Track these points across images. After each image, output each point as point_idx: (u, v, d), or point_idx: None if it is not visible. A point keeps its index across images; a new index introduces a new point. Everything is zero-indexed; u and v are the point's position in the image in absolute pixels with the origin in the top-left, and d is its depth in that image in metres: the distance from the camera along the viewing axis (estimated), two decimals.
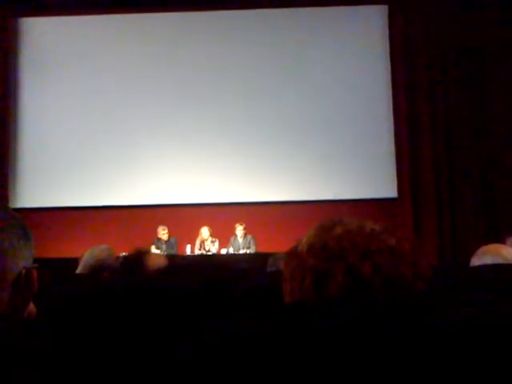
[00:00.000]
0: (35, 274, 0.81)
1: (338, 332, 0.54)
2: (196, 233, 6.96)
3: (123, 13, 7.77)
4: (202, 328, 0.62)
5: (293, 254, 0.77)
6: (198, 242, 6.93)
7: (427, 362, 0.52)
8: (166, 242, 6.99)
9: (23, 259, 0.79)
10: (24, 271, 0.79)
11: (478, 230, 7.03)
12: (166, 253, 6.57)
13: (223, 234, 7.00)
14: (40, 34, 7.86)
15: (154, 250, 6.62)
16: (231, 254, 6.73)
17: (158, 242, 6.97)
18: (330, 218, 0.78)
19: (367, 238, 0.73)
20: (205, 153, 7.54)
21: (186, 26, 7.78)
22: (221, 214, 7.35)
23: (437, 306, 0.58)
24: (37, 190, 7.61)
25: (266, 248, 6.49)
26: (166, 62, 7.74)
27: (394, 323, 0.55)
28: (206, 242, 6.90)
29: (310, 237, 0.76)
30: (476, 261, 1.86)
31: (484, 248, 1.91)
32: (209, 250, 6.86)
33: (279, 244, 5.23)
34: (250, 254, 6.69)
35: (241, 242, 6.90)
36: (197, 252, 6.87)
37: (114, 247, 2.57)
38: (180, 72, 7.72)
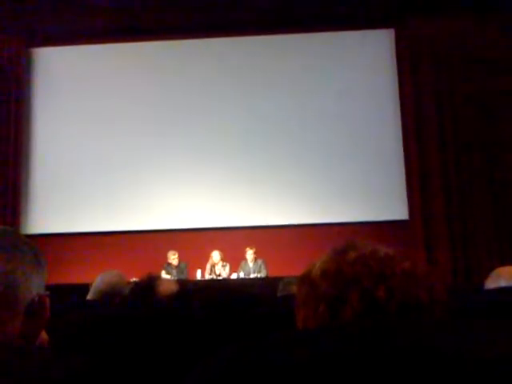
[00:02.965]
0: (48, 300, 0.81)
1: (355, 360, 0.53)
2: (206, 257, 6.94)
3: (134, 41, 7.91)
4: (212, 355, 0.61)
5: (306, 279, 0.76)
6: (208, 267, 6.90)
7: None
8: (176, 266, 6.96)
9: (36, 286, 0.79)
10: (37, 298, 0.78)
11: (492, 251, 6.94)
12: (176, 278, 6.55)
13: (234, 259, 6.97)
14: (52, 64, 8.03)
15: (164, 274, 6.60)
16: (242, 279, 6.68)
17: (168, 266, 6.95)
18: (342, 243, 0.77)
19: (381, 262, 0.72)
20: (215, 177, 7.57)
21: (194, 53, 7.89)
22: (231, 238, 7.33)
23: (452, 333, 0.57)
24: (48, 216, 7.66)
25: (276, 272, 6.45)
26: (177, 89, 7.84)
27: (410, 351, 0.54)
28: (216, 266, 6.86)
29: (323, 262, 0.75)
30: (491, 283, 1.83)
31: (498, 270, 1.88)
32: (219, 275, 6.82)
33: (290, 268, 5.20)
34: (260, 278, 6.64)
35: (251, 266, 6.86)
36: (207, 276, 6.83)
37: (125, 272, 2.56)
38: (190, 98, 7.81)
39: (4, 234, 0.80)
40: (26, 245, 0.81)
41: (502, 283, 1.78)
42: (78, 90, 7.89)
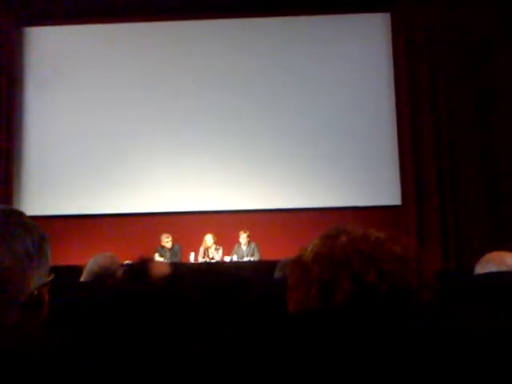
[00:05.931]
0: (46, 295, 0.77)
1: (345, 343, 0.54)
2: (199, 240, 6.96)
3: (128, 22, 7.82)
4: (212, 333, 0.62)
5: (298, 263, 0.77)
6: (201, 250, 6.92)
7: (426, 372, 0.52)
8: (169, 249, 6.98)
9: (36, 278, 0.75)
10: (36, 293, 0.75)
11: (483, 237, 7.00)
12: (169, 260, 6.57)
13: (227, 242, 7.00)
14: (44, 43, 7.92)
15: (157, 257, 6.62)
16: (235, 262, 6.71)
17: (161, 249, 6.96)
18: (334, 227, 0.78)
19: (372, 246, 0.73)
20: (208, 160, 7.56)
21: (189, 35, 7.81)
22: (224, 222, 7.35)
23: (441, 316, 0.58)
24: (41, 198, 7.62)
25: (270, 255, 6.49)
26: (170, 72, 7.77)
27: (398, 334, 0.55)
28: (209, 250, 6.89)
29: (314, 246, 0.76)
30: (480, 269, 1.85)
31: (488, 256, 1.90)
32: (213, 258, 6.85)
33: (283, 251, 5.22)
34: (253, 261, 6.68)
35: (245, 250, 6.89)
36: (200, 260, 6.86)
37: (118, 255, 2.57)
38: (184, 81, 7.75)
39: (3, 222, 0.74)
40: (28, 232, 0.75)
41: (492, 268, 1.80)
42: (71, 71, 7.79)
